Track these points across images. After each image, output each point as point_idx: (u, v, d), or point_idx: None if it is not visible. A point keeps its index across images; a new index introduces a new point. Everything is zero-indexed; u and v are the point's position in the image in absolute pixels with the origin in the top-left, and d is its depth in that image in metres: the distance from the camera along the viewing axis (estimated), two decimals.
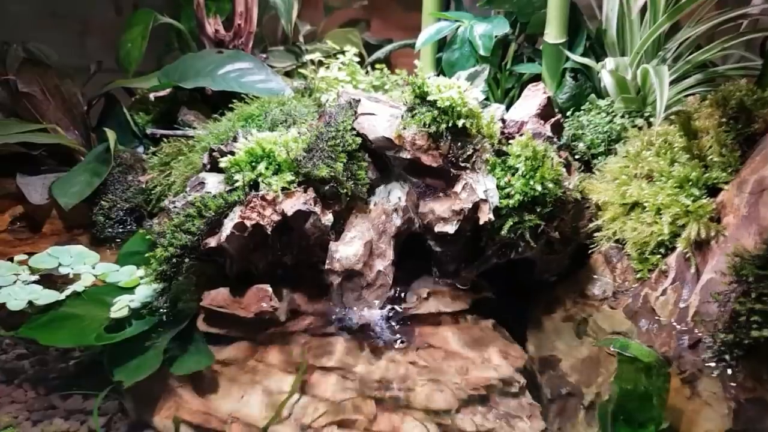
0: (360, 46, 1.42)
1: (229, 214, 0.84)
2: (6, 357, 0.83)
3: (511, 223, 0.84)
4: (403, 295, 0.92)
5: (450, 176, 0.87)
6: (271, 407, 0.74)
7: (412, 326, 0.87)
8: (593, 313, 0.89)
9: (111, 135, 1.10)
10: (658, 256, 0.86)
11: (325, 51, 1.34)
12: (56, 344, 0.82)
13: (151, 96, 1.20)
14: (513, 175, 0.84)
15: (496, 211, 0.84)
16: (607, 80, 1.05)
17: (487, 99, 1.20)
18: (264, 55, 1.31)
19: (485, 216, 0.82)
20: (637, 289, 0.87)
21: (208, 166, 0.93)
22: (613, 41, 1.12)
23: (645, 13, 1.08)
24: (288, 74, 1.38)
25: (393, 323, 0.88)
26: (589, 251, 0.94)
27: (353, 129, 0.89)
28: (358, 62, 1.28)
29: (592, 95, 1.10)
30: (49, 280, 0.96)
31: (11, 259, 0.99)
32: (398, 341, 0.84)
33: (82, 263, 0.98)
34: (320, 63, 1.25)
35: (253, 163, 0.86)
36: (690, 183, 0.85)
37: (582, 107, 1.08)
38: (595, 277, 0.93)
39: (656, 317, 0.84)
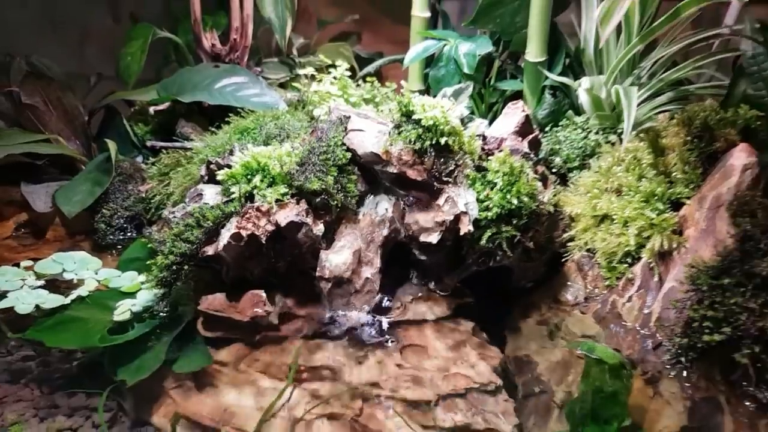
0: (351, 59, 1.47)
1: (226, 225, 0.88)
2: (12, 358, 0.86)
3: (490, 234, 0.90)
4: (389, 300, 0.96)
5: (433, 190, 0.92)
6: (264, 404, 0.78)
7: (397, 329, 0.92)
8: (566, 317, 0.95)
9: (112, 146, 1.13)
10: (625, 265, 0.92)
11: (317, 65, 1.39)
12: (62, 346, 0.86)
13: (151, 110, 1.24)
14: (491, 189, 0.90)
15: (476, 222, 0.89)
16: (583, 98, 1.11)
17: (472, 113, 1.26)
18: (259, 69, 1.35)
19: (465, 227, 0.88)
20: (606, 296, 0.93)
21: (206, 178, 0.98)
22: (590, 60, 1.18)
23: (620, 34, 1.14)
24: (282, 85, 1.42)
25: (379, 327, 0.92)
26: (563, 259, 0.99)
27: (343, 144, 0.94)
28: (350, 75, 1.33)
29: (570, 111, 1.16)
30: (54, 284, 0.99)
31: (17, 265, 1.02)
32: (384, 343, 0.89)
33: (85, 269, 1.01)
34: (313, 77, 1.30)
35: (249, 176, 0.91)
36: (655, 198, 0.91)
37: (560, 123, 1.14)
38: (568, 283, 0.99)
39: (623, 322, 0.90)
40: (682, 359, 0.80)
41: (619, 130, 1.09)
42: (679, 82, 1.16)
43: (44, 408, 0.79)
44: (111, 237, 1.14)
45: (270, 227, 0.88)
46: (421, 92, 1.30)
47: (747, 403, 0.78)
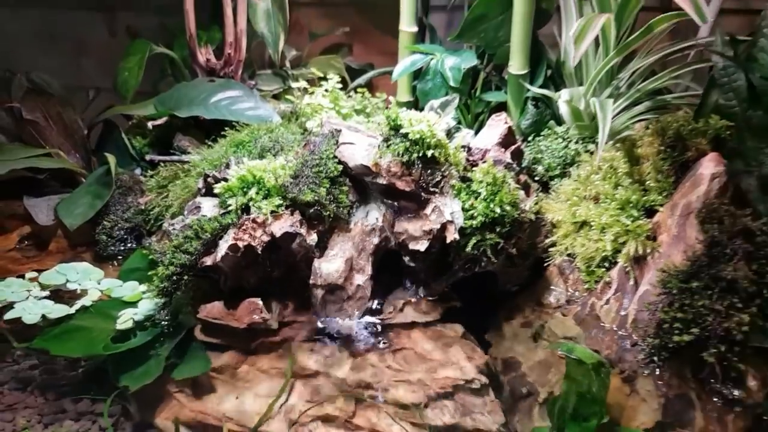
0: (343, 71, 1.51)
1: (223, 236, 0.92)
2: (18, 367, 0.90)
3: (475, 241, 0.94)
4: (380, 306, 1.00)
5: (421, 200, 0.96)
6: (262, 406, 0.81)
7: (389, 333, 0.96)
8: (548, 319, 0.99)
9: (111, 159, 1.17)
10: (603, 269, 0.96)
11: (309, 77, 1.43)
12: (68, 354, 0.89)
13: (150, 125, 1.28)
14: (476, 198, 0.94)
15: (461, 230, 0.93)
16: (563, 109, 1.16)
17: (459, 123, 1.31)
18: (253, 82, 1.39)
19: (451, 235, 0.92)
20: (586, 299, 0.97)
21: (203, 191, 1.01)
22: (571, 72, 1.22)
23: (599, 47, 1.19)
24: (276, 96, 1.46)
25: (371, 331, 0.96)
26: (546, 264, 1.03)
27: (335, 157, 0.98)
28: (341, 86, 1.37)
29: (552, 122, 1.20)
30: (58, 295, 1.03)
31: (22, 276, 1.05)
32: (375, 346, 0.92)
33: (88, 279, 1.05)
34: (305, 90, 1.34)
35: (245, 189, 0.94)
36: (630, 205, 0.95)
37: (542, 133, 1.18)
38: (551, 287, 1.03)
39: (601, 323, 0.94)
40: (655, 358, 0.85)
41: (598, 140, 1.13)
42: (658, 91, 1.20)
43: (51, 414, 0.82)
44: (112, 248, 1.16)
45: (266, 238, 0.91)
46: (410, 103, 1.34)
47: (715, 399, 0.82)
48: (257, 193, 0.94)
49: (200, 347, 0.91)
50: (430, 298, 1.01)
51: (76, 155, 1.26)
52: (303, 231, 0.93)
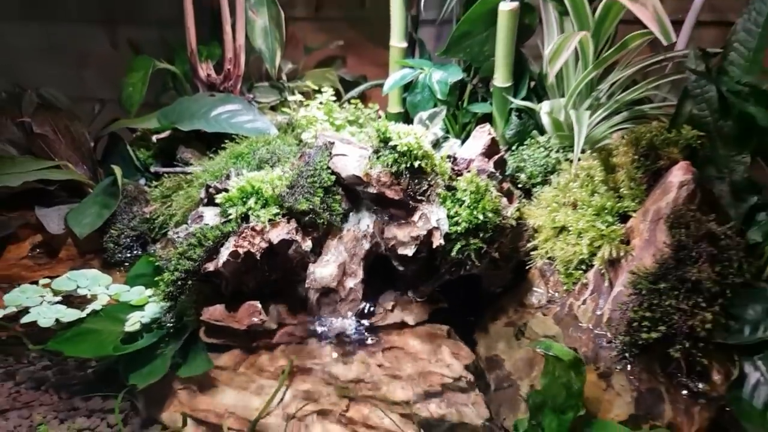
0: (337, 83, 1.57)
1: (224, 243, 0.96)
2: (33, 368, 0.95)
3: (459, 246, 0.98)
4: (371, 307, 1.03)
5: (409, 207, 1.00)
6: (261, 403, 0.86)
7: (379, 333, 1.00)
8: (530, 319, 1.03)
9: (118, 171, 1.22)
10: (580, 271, 1.01)
11: (304, 90, 1.49)
12: (80, 355, 0.94)
13: (154, 138, 1.33)
14: (460, 206, 0.99)
15: (447, 236, 0.97)
16: (544, 120, 1.22)
17: (447, 132, 1.36)
18: (251, 95, 1.45)
19: (437, 241, 0.97)
20: (564, 299, 1.02)
21: (205, 201, 1.06)
22: (552, 84, 1.27)
23: (578, 60, 1.24)
24: (273, 108, 1.51)
25: (363, 331, 1.00)
26: (527, 267, 1.08)
27: (329, 168, 1.02)
28: (335, 98, 1.43)
29: (535, 131, 1.26)
30: (69, 300, 1.07)
31: (36, 282, 1.10)
32: (367, 346, 0.97)
33: (97, 285, 1.09)
34: (301, 103, 1.40)
35: (244, 199, 0.99)
36: (605, 211, 1.01)
37: (525, 142, 1.24)
38: (533, 288, 1.07)
39: (579, 323, 0.99)
40: (627, 355, 0.89)
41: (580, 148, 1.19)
42: (638, 101, 1.24)
43: (64, 411, 0.87)
44: (119, 255, 1.20)
45: (264, 245, 0.96)
46: (401, 114, 1.40)
47: (683, 392, 0.87)
48: (256, 203, 0.98)
49: (203, 347, 0.95)
50: (419, 300, 1.05)
51: (84, 167, 1.32)
52: (299, 238, 0.99)
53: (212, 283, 1.01)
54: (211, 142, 1.27)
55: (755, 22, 1.06)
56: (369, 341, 0.99)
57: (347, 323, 1.01)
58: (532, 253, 1.08)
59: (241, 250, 0.94)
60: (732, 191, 1.02)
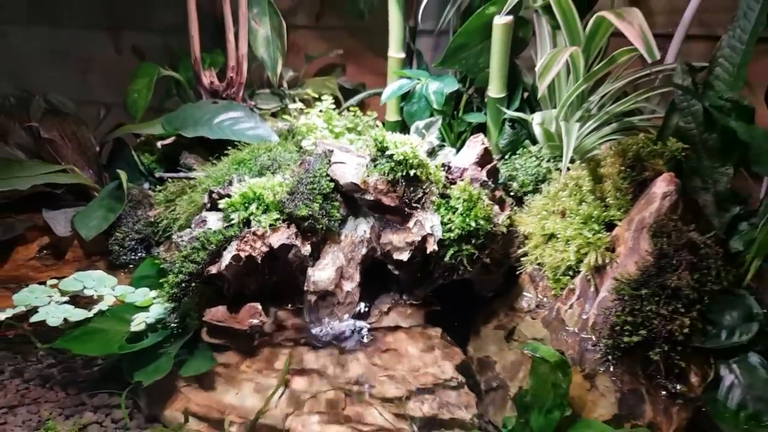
0: (336, 91, 1.60)
1: (227, 247, 0.99)
2: (41, 366, 0.98)
3: (452, 252, 1.02)
4: (367, 310, 1.07)
5: (405, 214, 1.04)
6: (261, 401, 0.88)
7: (375, 335, 1.03)
8: (519, 323, 1.06)
9: (123, 175, 1.25)
10: (568, 277, 1.04)
11: (305, 97, 1.53)
12: (87, 353, 0.96)
13: (159, 144, 1.37)
14: (453, 213, 1.02)
15: (440, 242, 1.01)
16: (536, 130, 1.26)
17: (443, 141, 1.41)
18: (252, 102, 1.49)
19: (431, 246, 1.01)
20: (552, 304, 1.05)
21: (209, 206, 1.09)
22: (544, 95, 1.31)
23: (570, 73, 1.28)
24: (274, 114, 1.55)
25: (359, 333, 1.03)
26: (518, 272, 1.11)
27: (327, 175, 1.05)
28: (335, 106, 1.47)
29: (527, 141, 1.30)
30: (76, 300, 1.10)
31: (43, 283, 1.13)
32: (363, 347, 1.00)
33: (103, 286, 1.12)
34: (301, 111, 1.44)
35: (246, 205, 1.02)
36: (592, 219, 1.04)
37: (517, 152, 1.28)
38: (523, 293, 1.10)
39: (566, 326, 1.02)
40: (610, 357, 0.93)
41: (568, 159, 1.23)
42: (629, 113, 1.27)
43: (71, 407, 0.90)
44: (124, 257, 1.23)
45: (265, 249, 0.99)
46: (398, 123, 1.44)
47: (662, 393, 0.91)
48: (257, 209, 1.02)
49: (205, 347, 0.98)
50: (413, 303, 1.09)
51: (90, 171, 1.34)
52: (298, 242, 1.02)
53: (215, 285, 1.04)
54: (213, 148, 1.30)
55: (739, 39, 1.10)
56: (365, 342, 1.02)
57: (344, 325, 1.04)
58: (522, 259, 1.12)
59: (242, 254, 0.98)
60: (716, 201, 1.06)
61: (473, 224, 1.01)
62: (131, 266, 1.23)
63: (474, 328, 1.08)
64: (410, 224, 1.04)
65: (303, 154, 1.21)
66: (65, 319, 1.03)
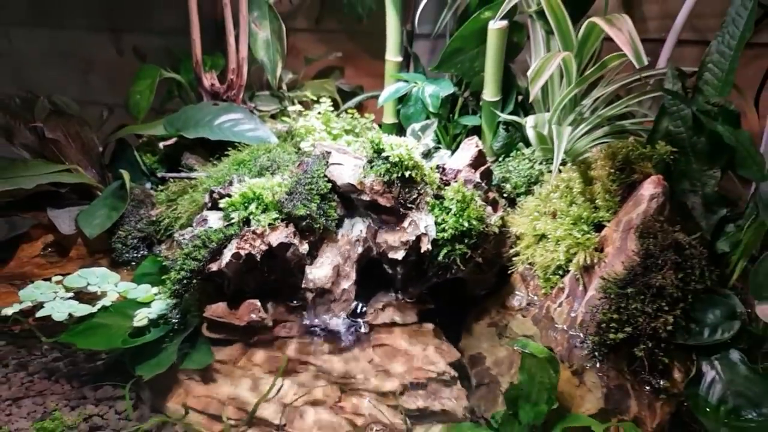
0: (335, 93, 1.63)
1: (227, 245, 1.01)
2: (45, 360, 1.00)
3: (446, 251, 1.05)
4: (363, 307, 1.09)
5: (400, 214, 1.06)
6: (259, 393, 0.91)
7: (370, 331, 1.05)
8: (511, 320, 1.09)
9: (126, 175, 1.28)
10: (557, 276, 1.07)
11: (303, 99, 1.56)
12: (91, 347, 0.99)
13: (161, 144, 1.40)
14: (447, 214, 1.05)
15: (434, 242, 1.03)
16: (529, 133, 1.29)
17: (439, 143, 1.44)
18: (252, 104, 1.52)
19: (425, 246, 1.03)
20: (542, 302, 1.08)
21: (209, 205, 1.12)
22: (538, 99, 1.34)
23: (563, 77, 1.31)
24: (273, 116, 1.58)
25: (355, 329, 1.06)
26: (510, 272, 1.14)
27: (325, 176, 1.08)
28: (333, 108, 1.50)
29: (521, 144, 1.33)
30: (79, 296, 1.12)
31: (48, 279, 1.15)
32: (358, 343, 1.02)
33: (106, 282, 1.14)
34: (300, 113, 1.47)
35: (246, 204, 1.04)
36: (582, 220, 1.07)
37: (511, 154, 1.31)
38: (515, 292, 1.13)
39: (555, 324, 1.05)
40: (596, 354, 0.96)
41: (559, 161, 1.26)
42: (622, 116, 1.30)
43: (75, 399, 0.92)
44: (126, 255, 1.26)
45: (264, 247, 1.01)
46: (395, 125, 1.47)
47: (647, 388, 0.94)
48: (257, 208, 1.04)
49: (206, 342, 1.00)
50: (408, 301, 1.11)
51: (93, 170, 1.37)
52: (296, 241, 1.04)
53: (215, 282, 1.07)
54: (214, 149, 1.33)
55: (728, 45, 1.13)
56: (360, 339, 1.04)
57: (340, 322, 1.06)
58: (514, 258, 1.14)
59: (242, 252, 1.00)
60: (704, 204, 1.09)
61: (466, 224, 1.04)
62: (133, 264, 1.25)
63: (467, 326, 1.11)
64: (405, 224, 1.07)
65: (301, 155, 1.23)
66: (70, 315, 1.06)
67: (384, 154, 1.06)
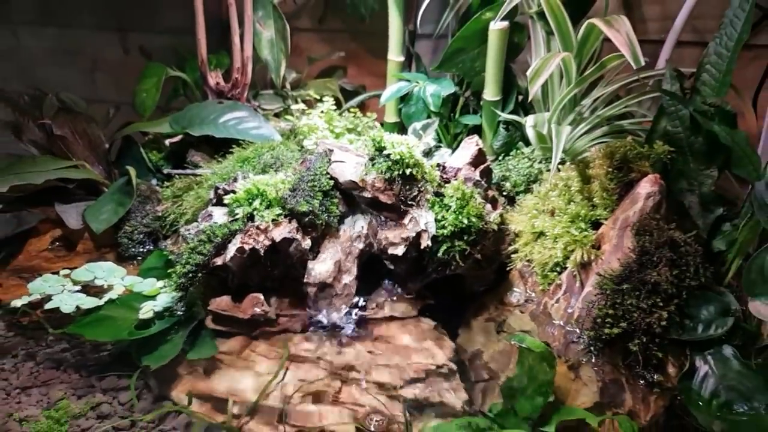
0: (337, 92, 1.65)
1: (232, 240, 1.04)
2: (52, 350, 1.02)
3: (445, 248, 1.07)
4: (364, 302, 1.11)
5: (400, 211, 1.08)
6: (261, 384, 0.93)
7: (371, 325, 1.07)
8: (509, 316, 1.11)
9: (132, 171, 1.30)
10: (555, 273, 1.09)
11: (307, 98, 1.58)
12: (98, 339, 1.01)
13: (167, 142, 1.42)
14: (447, 211, 1.07)
15: (434, 238, 1.05)
16: (529, 132, 1.31)
17: (440, 141, 1.45)
18: (256, 103, 1.54)
19: (425, 242, 1.05)
20: (540, 298, 1.10)
21: (214, 201, 1.14)
22: (538, 98, 1.36)
23: (563, 77, 1.33)
24: (277, 115, 1.60)
25: (356, 323, 1.08)
26: (508, 268, 1.16)
27: (328, 173, 1.10)
28: (336, 107, 1.52)
29: (521, 143, 1.35)
30: (87, 289, 1.14)
31: (56, 273, 1.17)
32: (359, 337, 1.04)
33: (113, 276, 1.16)
34: (303, 111, 1.49)
35: (250, 200, 1.07)
36: (579, 218, 1.09)
37: (511, 153, 1.33)
38: (513, 288, 1.15)
39: (552, 320, 1.07)
40: (592, 348, 0.98)
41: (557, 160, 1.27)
42: (621, 116, 1.32)
43: (82, 388, 0.94)
44: (132, 249, 1.27)
45: (267, 242, 1.03)
46: (396, 124, 1.49)
47: (641, 382, 0.96)
48: (261, 204, 1.06)
49: (210, 334, 1.02)
50: (408, 296, 1.13)
51: (100, 167, 1.39)
52: (299, 237, 1.06)
53: (219, 276, 1.09)
54: (219, 147, 1.34)
55: (726, 46, 1.15)
56: (361, 332, 1.06)
57: (341, 316, 1.08)
58: (512, 255, 1.16)
59: (246, 247, 1.03)
60: (700, 203, 1.11)
61: (465, 221, 1.06)
62: (139, 258, 1.27)
63: (465, 321, 1.12)
64: (405, 221, 1.09)
65: (304, 153, 1.25)
66: (77, 307, 1.08)
67: (385, 152, 1.08)
